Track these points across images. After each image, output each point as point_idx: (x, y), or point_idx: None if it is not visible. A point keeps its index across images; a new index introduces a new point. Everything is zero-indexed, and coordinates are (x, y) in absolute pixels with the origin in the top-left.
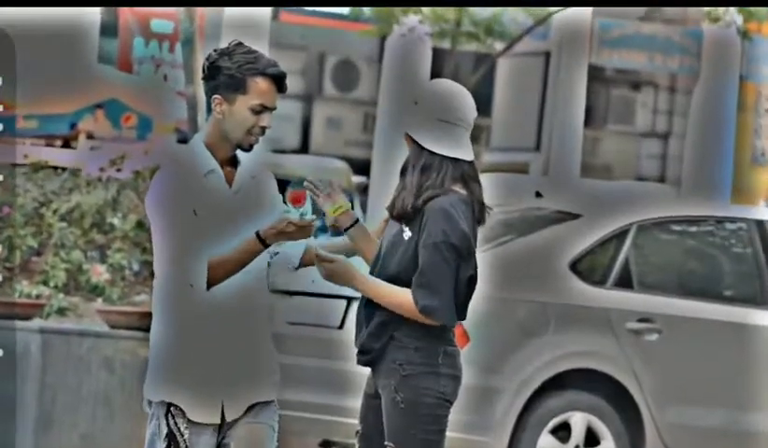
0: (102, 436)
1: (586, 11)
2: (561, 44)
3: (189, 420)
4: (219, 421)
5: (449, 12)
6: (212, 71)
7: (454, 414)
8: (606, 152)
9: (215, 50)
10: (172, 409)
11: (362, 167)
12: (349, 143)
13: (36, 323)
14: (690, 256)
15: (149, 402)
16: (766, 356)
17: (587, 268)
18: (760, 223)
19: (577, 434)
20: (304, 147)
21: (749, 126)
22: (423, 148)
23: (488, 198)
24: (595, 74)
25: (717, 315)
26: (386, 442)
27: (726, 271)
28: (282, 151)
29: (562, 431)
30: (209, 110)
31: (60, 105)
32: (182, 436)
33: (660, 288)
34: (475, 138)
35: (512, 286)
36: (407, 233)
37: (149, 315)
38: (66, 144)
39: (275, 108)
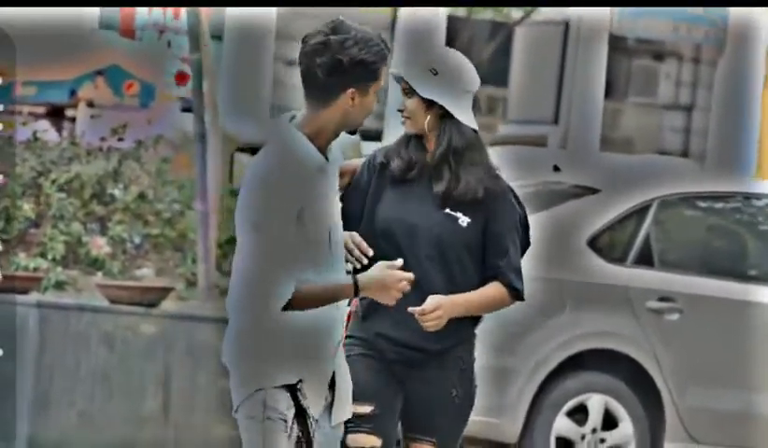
0: (100, 414)
1: None
2: (581, 13)
3: (303, 392)
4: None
5: None
6: (354, 65)
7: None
8: (627, 125)
9: (344, 40)
10: (299, 388)
11: (375, 136)
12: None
13: (34, 297)
14: (714, 233)
15: (248, 397)
16: None
17: (606, 245)
18: None
19: (595, 416)
20: None
21: None
22: (453, 120)
23: (504, 172)
24: (616, 44)
25: (741, 295)
26: (419, 436)
27: (750, 249)
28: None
29: (579, 414)
30: (325, 102)
31: (59, 71)
32: (310, 417)
33: (681, 267)
34: (491, 110)
35: (527, 263)
36: (464, 220)
37: (150, 290)
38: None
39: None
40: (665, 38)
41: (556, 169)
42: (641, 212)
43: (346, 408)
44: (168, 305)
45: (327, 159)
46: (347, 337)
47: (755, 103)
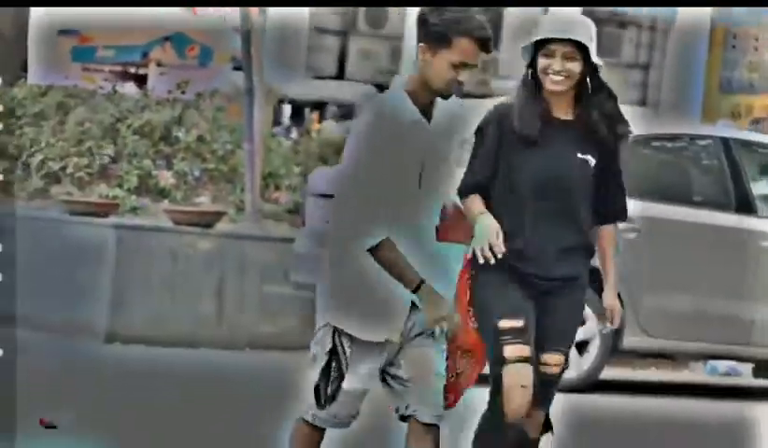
0: (165, 316)
1: None
2: None
3: (353, 338)
4: (383, 339)
5: None
6: (420, 22)
7: None
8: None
9: (428, 9)
10: (338, 330)
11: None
12: (380, 71)
13: (112, 220)
14: (666, 167)
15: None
16: (727, 249)
17: None
18: (725, 140)
19: None
20: (340, 74)
21: (718, 60)
22: (599, 78)
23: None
24: (589, 15)
25: (687, 217)
26: (555, 347)
27: (695, 179)
28: (322, 77)
29: None
30: (416, 56)
31: (134, 37)
32: (344, 353)
33: (639, 195)
34: (484, 68)
35: None
36: (592, 160)
37: (207, 214)
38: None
39: (476, 65)
40: (628, 10)
41: None
42: None
43: (416, 371)
44: (222, 226)
45: (427, 117)
46: (491, 268)
47: (700, 61)
